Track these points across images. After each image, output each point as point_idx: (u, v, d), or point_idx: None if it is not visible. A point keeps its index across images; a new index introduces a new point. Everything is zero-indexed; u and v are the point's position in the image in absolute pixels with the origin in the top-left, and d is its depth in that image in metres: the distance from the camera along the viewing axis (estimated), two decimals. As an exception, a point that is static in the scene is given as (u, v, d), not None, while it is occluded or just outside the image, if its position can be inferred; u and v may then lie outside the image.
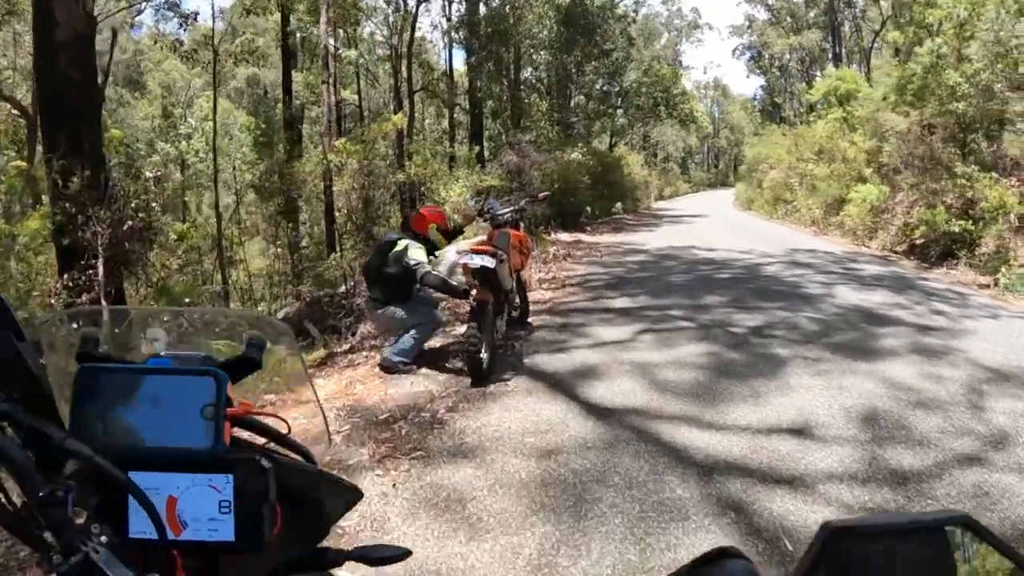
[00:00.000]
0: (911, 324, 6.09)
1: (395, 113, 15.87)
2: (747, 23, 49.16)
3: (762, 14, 46.10)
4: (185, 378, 0.79)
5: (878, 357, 4.99)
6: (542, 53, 21.54)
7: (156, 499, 0.74)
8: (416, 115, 20.41)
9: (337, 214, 11.07)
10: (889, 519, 0.78)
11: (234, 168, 22.27)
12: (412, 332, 4.80)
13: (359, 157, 10.19)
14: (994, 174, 9.80)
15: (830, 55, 38.72)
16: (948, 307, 6.91)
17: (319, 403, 1.03)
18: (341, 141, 11.09)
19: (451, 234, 5.32)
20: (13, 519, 0.71)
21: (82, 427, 0.76)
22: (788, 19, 43.93)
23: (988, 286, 8.58)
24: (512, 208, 5.77)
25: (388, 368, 4.81)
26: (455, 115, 22.30)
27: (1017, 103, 10.35)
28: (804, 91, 48.30)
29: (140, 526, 0.76)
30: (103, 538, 0.69)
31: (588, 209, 19.86)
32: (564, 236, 15.73)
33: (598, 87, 25.27)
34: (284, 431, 0.91)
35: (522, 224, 5.98)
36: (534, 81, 23.55)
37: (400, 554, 0.90)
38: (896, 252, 11.83)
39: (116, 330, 1.03)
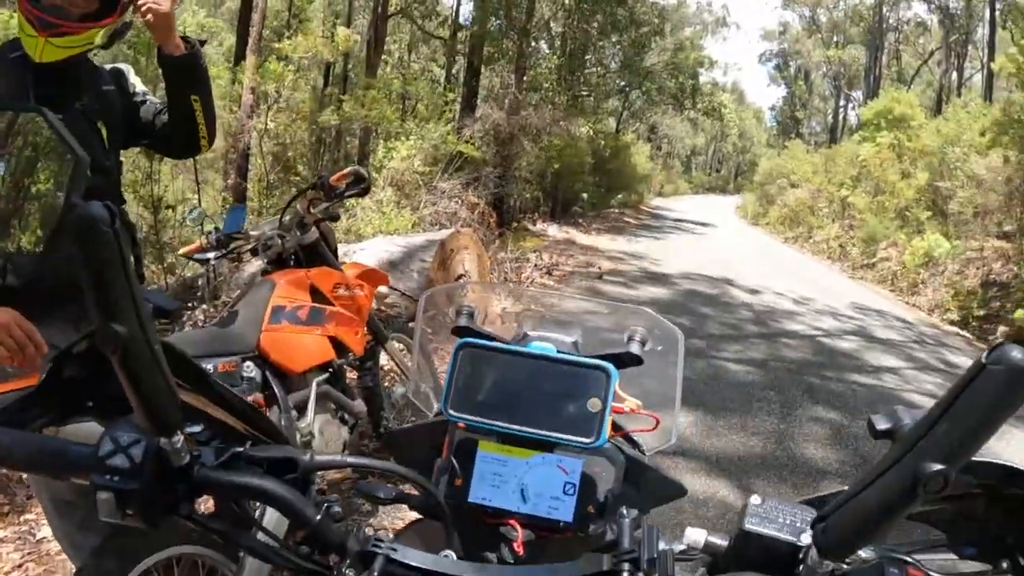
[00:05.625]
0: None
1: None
2: (780, 28, 46.72)
3: (798, 22, 43.45)
4: (574, 369, 0.78)
5: None
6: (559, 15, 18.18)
7: (504, 471, 0.77)
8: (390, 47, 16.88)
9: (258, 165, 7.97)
10: None
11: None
12: None
13: (279, 80, 7.27)
14: None
15: (864, 74, 36.19)
16: None
17: (678, 403, 0.96)
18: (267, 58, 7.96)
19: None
20: (282, 558, 0.63)
21: (460, 402, 0.78)
22: (826, 32, 41.40)
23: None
24: (276, 221, 2.36)
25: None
26: (453, 65, 18.78)
27: None
28: (827, 110, 45.91)
29: (480, 492, 0.78)
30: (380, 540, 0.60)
31: (584, 197, 17.17)
32: (553, 231, 12.99)
33: (618, 60, 22.21)
34: (652, 427, 0.91)
35: (325, 242, 2.43)
36: (548, 38, 20.47)
37: None
38: (952, 322, 9.36)
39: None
